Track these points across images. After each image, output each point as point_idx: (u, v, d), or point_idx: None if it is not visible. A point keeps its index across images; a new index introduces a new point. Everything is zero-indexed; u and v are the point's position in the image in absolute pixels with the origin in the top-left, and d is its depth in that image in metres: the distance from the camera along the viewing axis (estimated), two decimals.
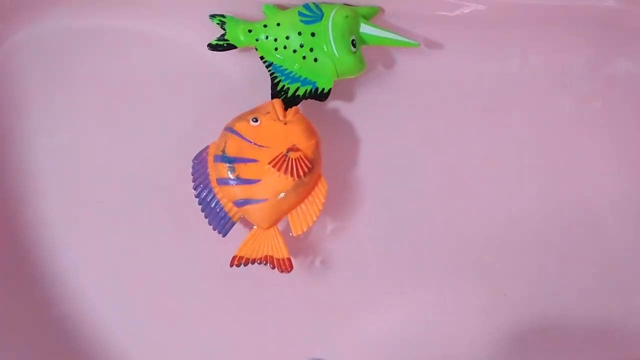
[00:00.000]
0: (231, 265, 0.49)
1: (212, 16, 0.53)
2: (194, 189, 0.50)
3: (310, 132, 0.50)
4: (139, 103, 0.55)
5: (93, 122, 0.54)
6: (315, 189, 0.50)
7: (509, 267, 0.54)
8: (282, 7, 0.53)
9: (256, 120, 0.49)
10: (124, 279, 0.53)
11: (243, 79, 0.55)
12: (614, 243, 0.54)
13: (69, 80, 0.54)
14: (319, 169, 0.50)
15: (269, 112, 0.50)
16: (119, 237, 0.53)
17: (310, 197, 0.50)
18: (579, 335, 0.53)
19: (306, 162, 0.48)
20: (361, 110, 0.55)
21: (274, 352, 0.53)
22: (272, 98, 0.52)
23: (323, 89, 0.52)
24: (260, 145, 0.49)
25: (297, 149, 0.49)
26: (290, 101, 0.52)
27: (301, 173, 0.48)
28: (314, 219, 0.49)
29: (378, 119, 0.55)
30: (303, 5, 0.52)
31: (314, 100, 0.52)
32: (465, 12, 0.55)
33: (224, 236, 0.49)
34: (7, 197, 0.53)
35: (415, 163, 0.55)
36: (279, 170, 0.48)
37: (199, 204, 0.50)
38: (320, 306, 0.53)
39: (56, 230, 0.53)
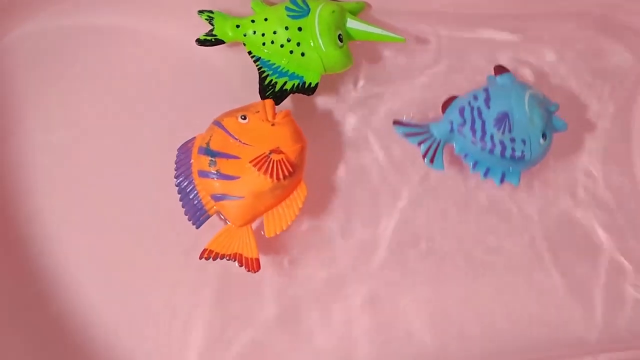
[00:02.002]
0: (200, 258, 0.49)
1: (201, 12, 0.54)
2: (175, 178, 0.50)
3: (297, 136, 0.50)
4: (132, 99, 0.55)
5: (87, 119, 0.55)
6: (294, 193, 0.50)
7: (500, 264, 0.54)
8: (270, 3, 0.54)
9: (244, 118, 0.49)
10: (121, 274, 0.53)
11: (233, 73, 0.55)
12: (603, 238, 0.55)
13: (63, 78, 0.55)
14: (301, 174, 0.50)
15: (258, 112, 0.50)
16: (115, 232, 0.53)
17: (288, 201, 0.50)
18: (570, 328, 0.54)
19: (287, 165, 0.49)
20: (347, 105, 0.55)
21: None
22: (260, 92, 0.52)
23: (310, 84, 0.52)
24: (244, 143, 0.49)
25: (281, 152, 0.49)
26: (277, 95, 0.52)
27: (281, 176, 0.48)
28: (289, 223, 0.49)
29: (364, 114, 0.55)
30: (290, 1, 0.53)
31: (301, 94, 0.52)
32: (451, 7, 0.56)
33: (197, 228, 0.50)
34: (3, 194, 0.53)
35: (401, 161, 0.55)
36: (259, 170, 0.48)
37: (178, 193, 0.50)
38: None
39: (53, 228, 0.53)
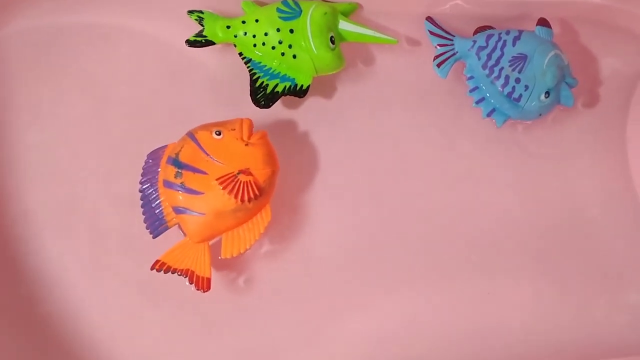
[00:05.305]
0: (151, 269, 0.48)
1: (190, 12, 0.53)
2: (140, 184, 0.50)
3: (269, 160, 0.49)
4: (122, 99, 0.55)
5: (80, 118, 0.54)
6: (258, 216, 0.49)
7: (492, 266, 0.54)
8: (261, 4, 0.53)
9: (219, 134, 0.49)
10: (110, 275, 0.52)
11: (224, 75, 0.55)
12: (599, 241, 0.55)
13: (57, 75, 0.55)
14: (268, 198, 0.49)
15: (234, 129, 0.49)
16: (105, 233, 0.53)
17: (249, 224, 0.49)
18: (564, 334, 0.53)
19: (254, 188, 0.48)
20: (339, 107, 0.55)
21: None
22: (251, 94, 0.52)
23: (302, 86, 0.52)
24: (214, 159, 0.48)
25: (250, 173, 0.48)
26: (269, 97, 0.52)
27: (245, 198, 0.47)
28: (247, 247, 0.48)
29: (353, 117, 0.55)
30: (282, 2, 0.52)
31: (292, 96, 0.52)
32: (444, 8, 0.55)
33: (154, 237, 0.49)
34: None
35: (391, 165, 0.55)
36: (224, 188, 0.47)
37: (141, 199, 0.49)
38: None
39: (43, 227, 0.52)
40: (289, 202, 0.53)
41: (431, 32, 0.54)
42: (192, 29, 0.53)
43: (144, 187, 0.49)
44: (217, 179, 0.47)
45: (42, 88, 0.54)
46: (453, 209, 0.54)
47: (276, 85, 0.52)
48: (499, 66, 0.52)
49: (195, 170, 0.48)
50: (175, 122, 0.53)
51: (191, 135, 0.49)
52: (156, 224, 0.49)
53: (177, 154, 0.48)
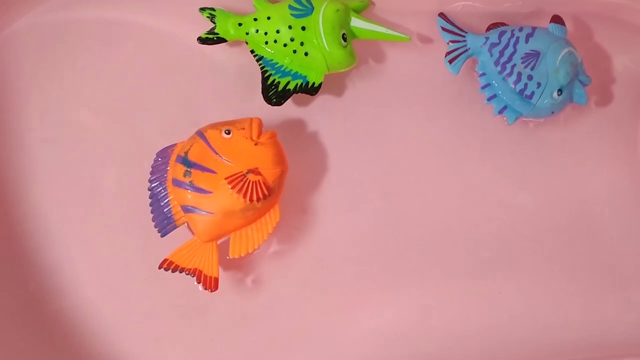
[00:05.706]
0: (159, 268, 0.48)
1: (202, 9, 0.53)
2: (149, 182, 0.49)
3: (279, 159, 0.49)
4: (132, 96, 0.54)
5: (88, 115, 0.54)
6: (266, 216, 0.49)
7: (503, 264, 0.54)
8: (273, 1, 0.53)
9: (228, 133, 0.48)
10: (119, 271, 0.52)
11: (235, 72, 0.55)
12: (610, 240, 0.54)
13: (65, 72, 0.54)
14: (277, 198, 0.49)
15: (244, 128, 0.49)
16: (114, 230, 0.52)
17: (258, 223, 0.49)
18: (573, 332, 0.53)
19: (263, 188, 0.47)
20: (350, 105, 0.55)
21: None
22: (263, 92, 0.52)
23: (314, 83, 0.52)
24: (223, 158, 0.48)
25: (259, 173, 0.48)
26: (280, 95, 0.52)
27: (254, 198, 0.47)
28: (255, 247, 0.48)
29: (364, 114, 0.55)
30: None
31: (304, 94, 0.52)
32: (456, 6, 0.55)
33: (162, 236, 0.49)
34: (1, 190, 0.53)
35: (401, 163, 0.55)
36: (233, 188, 0.47)
37: (149, 197, 0.49)
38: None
39: (51, 224, 0.52)
40: (298, 202, 0.53)
41: (443, 29, 0.53)
42: (202, 25, 0.53)
43: (153, 185, 0.49)
44: (226, 178, 0.47)
45: (51, 84, 0.54)
46: (463, 207, 0.54)
47: (288, 83, 0.52)
48: (512, 63, 0.51)
49: (204, 169, 0.47)
50: (185, 121, 0.53)
51: (200, 133, 0.49)
52: (164, 223, 0.49)
53: (186, 153, 0.48)
